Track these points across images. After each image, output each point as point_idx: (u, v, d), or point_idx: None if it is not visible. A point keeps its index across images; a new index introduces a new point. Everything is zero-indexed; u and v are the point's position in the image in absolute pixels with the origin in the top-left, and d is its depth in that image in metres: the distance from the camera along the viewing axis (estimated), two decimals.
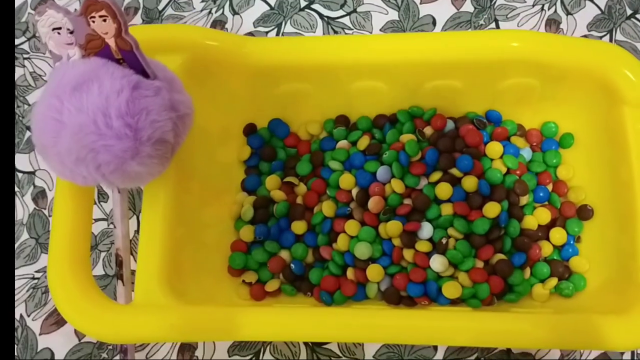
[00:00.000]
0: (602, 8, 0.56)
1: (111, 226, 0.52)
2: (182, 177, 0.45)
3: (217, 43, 0.44)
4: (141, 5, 0.58)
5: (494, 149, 0.48)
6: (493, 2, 0.57)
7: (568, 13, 0.56)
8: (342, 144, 0.50)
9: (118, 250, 0.41)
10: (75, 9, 0.36)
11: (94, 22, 0.36)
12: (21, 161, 0.55)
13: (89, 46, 0.37)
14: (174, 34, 0.44)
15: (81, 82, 0.36)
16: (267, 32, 0.56)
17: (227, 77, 0.47)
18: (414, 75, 0.47)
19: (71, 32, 0.37)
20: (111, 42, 0.36)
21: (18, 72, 0.58)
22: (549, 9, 0.56)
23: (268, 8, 0.57)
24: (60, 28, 0.37)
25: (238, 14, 0.57)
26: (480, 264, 0.46)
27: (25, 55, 0.59)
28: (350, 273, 0.46)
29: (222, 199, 0.50)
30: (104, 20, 0.35)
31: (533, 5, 0.56)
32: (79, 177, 0.37)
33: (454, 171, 0.47)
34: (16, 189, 0.54)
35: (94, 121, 0.35)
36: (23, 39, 0.59)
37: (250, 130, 0.52)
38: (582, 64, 0.44)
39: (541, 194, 0.48)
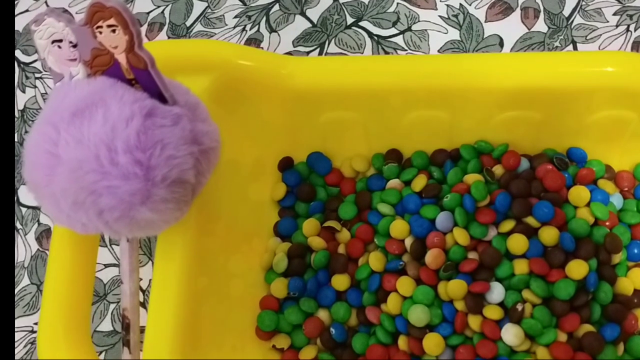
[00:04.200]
0: None
1: None
2: (206, 218, 0.38)
3: (252, 62, 0.38)
4: (167, 21, 0.52)
5: (580, 194, 0.40)
6: (570, 21, 0.49)
7: None
8: (394, 183, 0.43)
9: (125, 310, 0.34)
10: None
11: (101, 33, 0.29)
12: (26, 194, 0.48)
13: (95, 63, 0.30)
14: (200, 51, 0.37)
15: (82, 107, 0.29)
16: (308, 52, 0.49)
17: (262, 103, 0.40)
18: (483, 105, 0.40)
19: (74, 46, 0.30)
20: (121, 58, 0.29)
21: (28, 93, 0.52)
22: (635, 29, 0.48)
23: (310, 25, 0.50)
24: (61, 40, 0.30)
25: (275, 31, 0.50)
26: (563, 337, 0.38)
27: (37, 75, 0.53)
28: (402, 342, 0.38)
29: (251, 244, 0.43)
30: (113, 31, 0.28)
31: (617, 26, 0.49)
32: (78, 224, 0.30)
33: (530, 220, 0.40)
34: (19, 226, 0.48)
35: (95, 156, 0.28)
36: (36, 56, 0.53)
37: (286, 165, 0.44)
38: None
39: (636, 251, 0.40)
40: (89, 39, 0.29)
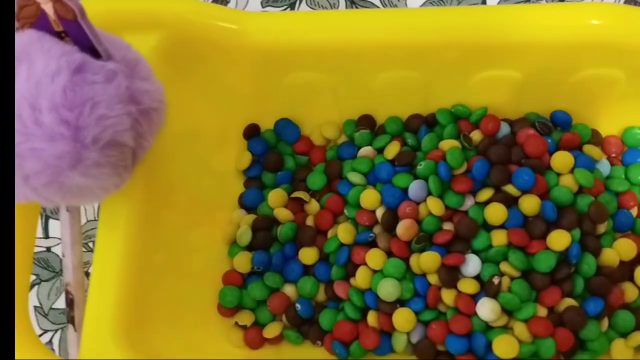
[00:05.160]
0: None
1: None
2: (165, 189, 0.36)
3: (206, 19, 0.35)
4: None
5: (563, 160, 0.38)
6: None
7: None
8: (366, 151, 0.40)
9: (68, 285, 0.32)
10: None
11: None
12: None
13: (22, 15, 0.28)
14: (147, 6, 0.34)
15: None
16: None
17: (222, 64, 0.37)
18: (459, 63, 0.37)
19: None
20: (48, 7, 0.27)
21: None
22: None
23: None
24: None
25: None
26: (543, 312, 0.35)
27: None
28: (371, 318, 0.36)
29: (214, 217, 0.41)
30: None
31: None
32: None
33: (510, 188, 0.37)
34: None
35: (18, 116, 0.26)
36: None
37: (252, 132, 0.42)
38: None
39: (623, 220, 0.38)
40: None
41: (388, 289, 0.36)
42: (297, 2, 0.46)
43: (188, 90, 0.37)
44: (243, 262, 0.39)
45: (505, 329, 0.35)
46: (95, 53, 0.27)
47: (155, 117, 0.30)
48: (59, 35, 0.27)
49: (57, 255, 0.43)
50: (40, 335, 0.41)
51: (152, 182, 0.35)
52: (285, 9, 0.46)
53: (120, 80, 0.28)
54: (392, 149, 0.39)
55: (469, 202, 0.38)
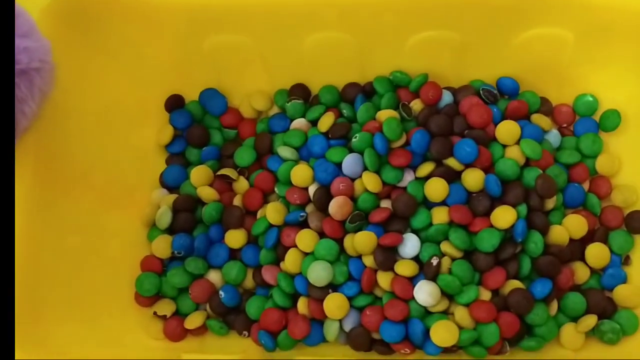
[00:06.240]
0: None
1: None
2: (70, 166, 0.33)
3: None
4: None
5: (508, 130, 0.35)
6: None
7: None
8: (298, 123, 0.38)
9: None
10: None
11: None
12: None
13: None
14: None
15: None
16: None
17: (131, 25, 0.34)
18: (395, 23, 0.35)
19: None
20: None
21: None
22: None
23: None
24: None
25: None
26: (486, 295, 0.33)
27: None
28: (301, 305, 0.34)
29: (133, 197, 0.37)
30: None
31: None
32: None
33: (452, 162, 0.35)
34: None
35: None
36: None
37: (174, 104, 0.39)
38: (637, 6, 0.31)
39: (574, 195, 0.36)
40: None
41: (319, 273, 0.33)
42: None
43: (95, 56, 0.34)
44: (162, 246, 0.36)
45: (445, 314, 0.33)
46: None
47: (36, 78, 0.26)
48: None
49: None
50: None
51: (55, 158, 0.32)
52: None
53: None
54: (326, 121, 0.36)
55: (407, 177, 0.35)
